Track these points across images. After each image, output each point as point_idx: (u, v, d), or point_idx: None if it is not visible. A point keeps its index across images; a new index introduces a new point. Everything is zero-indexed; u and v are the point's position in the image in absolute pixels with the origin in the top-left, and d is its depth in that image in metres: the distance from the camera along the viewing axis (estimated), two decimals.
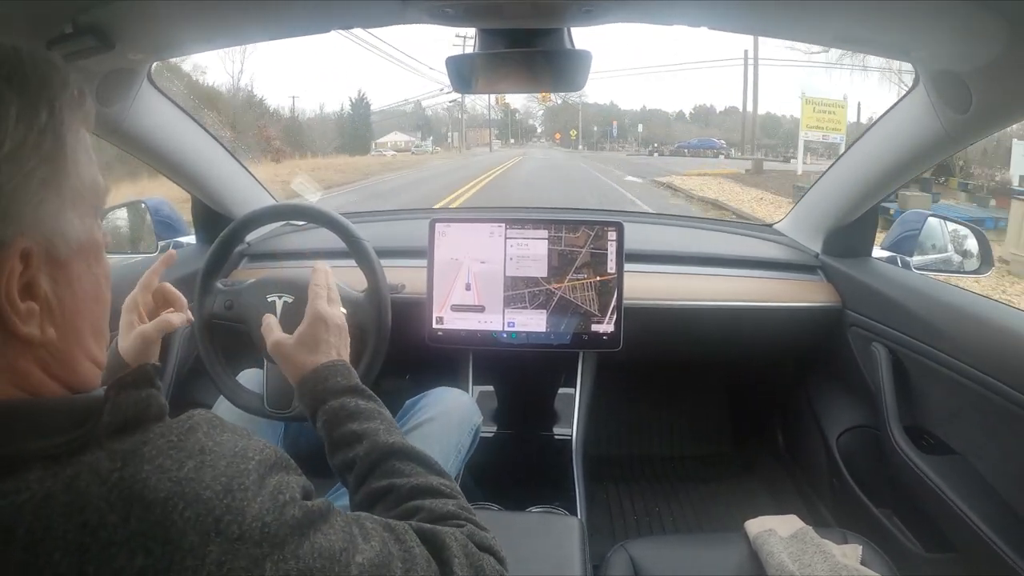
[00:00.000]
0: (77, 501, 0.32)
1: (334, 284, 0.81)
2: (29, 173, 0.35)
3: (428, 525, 0.51)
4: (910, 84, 1.03)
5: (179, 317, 0.82)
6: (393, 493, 0.57)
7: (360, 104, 45.88)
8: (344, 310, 0.81)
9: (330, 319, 0.74)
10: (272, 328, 0.77)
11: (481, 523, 0.56)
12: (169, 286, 0.85)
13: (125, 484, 0.34)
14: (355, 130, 43.39)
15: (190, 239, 1.53)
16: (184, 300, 0.86)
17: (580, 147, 58.88)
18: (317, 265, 0.81)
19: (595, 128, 68.42)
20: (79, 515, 0.32)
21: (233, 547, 0.35)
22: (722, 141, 40.96)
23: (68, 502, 0.32)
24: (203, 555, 0.33)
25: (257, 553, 0.35)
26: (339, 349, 0.73)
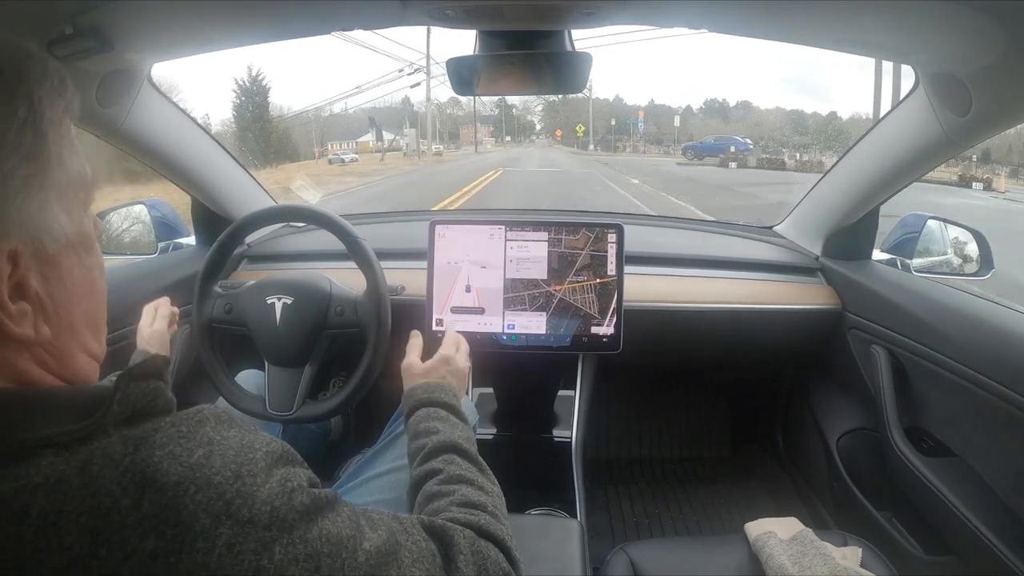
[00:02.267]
0: (91, 484, 0.33)
1: (465, 343, 0.96)
2: (10, 172, 0.35)
3: (438, 521, 0.53)
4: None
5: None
6: (443, 473, 0.65)
7: (254, 90, 29.11)
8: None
9: (455, 364, 0.88)
10: (412, 350, 0.90)
11: (502, 519, 0.60)
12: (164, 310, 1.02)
13: (137, 468, 0.34)
14: (245, 130, 28.03)
15: (190, 240, 1.53)
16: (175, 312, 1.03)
17: (592, 146, 46.70)
18: (452, 332, 0.97)
19: (613, 122, 55.15)
20: (92, 498, 0.33)
21: (243, 530, 0.35)
22: (748, 139, 32.08)
23: (82, 485, 0.33)
24: (214, 537, 0.34)
25: (267, 536, 0.36)
26: (450, 383, 0.85)
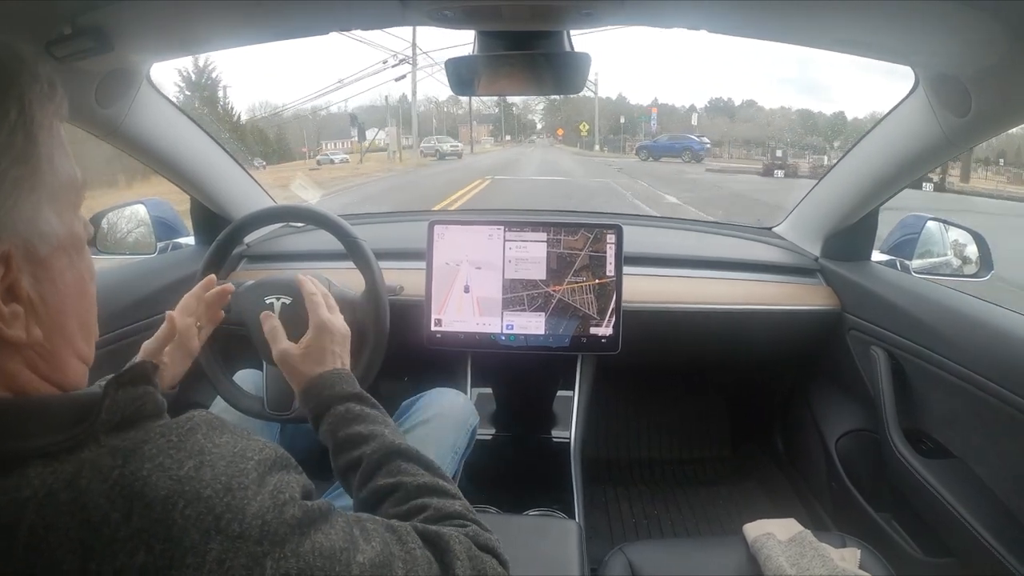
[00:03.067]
0: (79, 499, 0.33)
1: (326, 291, 0.82)
2: (1, 174, 0.35)
3: (433, 527, 0.51)
4: None
5: (215, 319, 0.90)
6: (401, 490, 0.58)
7: (202, 83, 25.38)
8: (343, 314, 0.84)
9: (334, 328, 0.76)
10: (277, 337, 0.77)
11: (485, 525, 0.56)
12: (211, 294, 0.88)
13: (126, 482, 0.34)
14: None
15: (189, 240, 1.53)
16: (228, 288, 0.90)
17: (597, 147, 40.25)
18: (300, 277, 0.84)
19: (623, 120, 46.61)
20: (81, 513, 0.32)
21: (234, 545, 0.35)
22: (704, 139, 27.31)
23: (70, 500, 0.33)
24: (204, 552, 0.34)
25: (257, 551, 0.36)
26: (342, 358, 0.75)
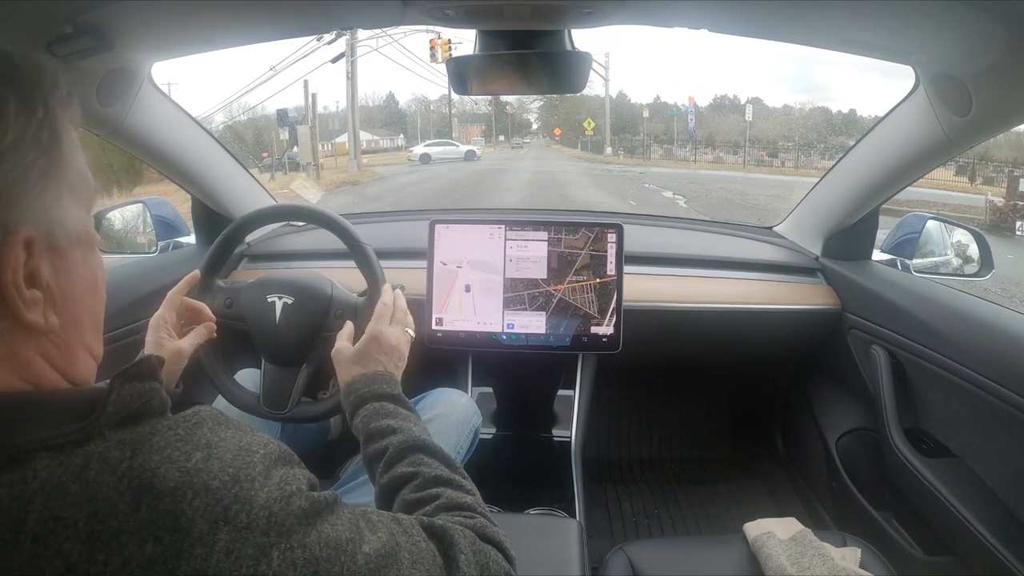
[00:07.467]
0: (87, 491, 0.33)
1: (404, 306, 0.87)
2: (30, 164, 0.37)
3: (437, 521, 0.52)
4: None
5: (208, 328, 0.88)
6: (419, 478, 0.61)
7: None
8: (409, 331, 0.86)
9: (383, 339, 0.80)
10: (343, 336, 0.83)
11: (493, 520, 0.59)
12: (192, 300, 0.89)
13: (135, 474, 0.34)
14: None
15: (190, 239, 1.53)
16: (209, 310, 0.91)
17: (609, 149, 33.11)
18: (386, 289, 0.88)
19: (646, 114, 37.06)
20: (90, 504, 0.33)
21: (241, 535, 0.35)
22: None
23: (79, 491, 0.33)
24: (212, 543, 0.34)
25: (264, 541, 0.36)
26: (386, 365, 0.79)
